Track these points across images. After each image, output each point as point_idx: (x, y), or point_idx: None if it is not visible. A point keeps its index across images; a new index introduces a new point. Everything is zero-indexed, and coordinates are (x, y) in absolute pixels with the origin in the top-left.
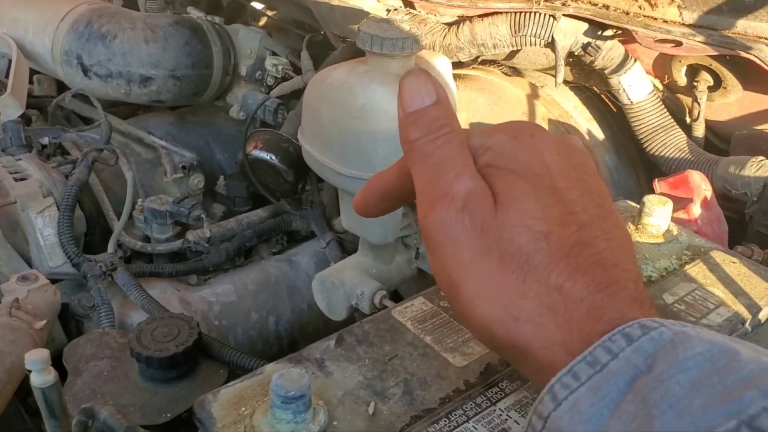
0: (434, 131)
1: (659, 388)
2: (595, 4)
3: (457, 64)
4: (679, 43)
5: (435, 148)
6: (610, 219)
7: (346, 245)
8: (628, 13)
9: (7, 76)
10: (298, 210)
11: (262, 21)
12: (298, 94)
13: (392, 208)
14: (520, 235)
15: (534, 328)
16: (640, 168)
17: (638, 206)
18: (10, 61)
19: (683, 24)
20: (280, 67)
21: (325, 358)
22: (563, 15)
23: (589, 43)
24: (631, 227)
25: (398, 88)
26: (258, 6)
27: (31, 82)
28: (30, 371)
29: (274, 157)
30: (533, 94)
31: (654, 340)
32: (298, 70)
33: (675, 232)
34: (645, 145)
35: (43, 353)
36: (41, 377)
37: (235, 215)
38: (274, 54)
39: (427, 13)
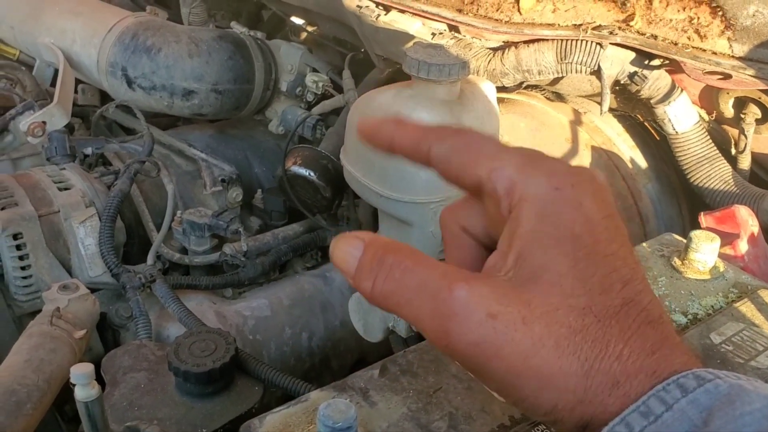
0: (384, 270)
1: None
2: (643, 34)
3: (500, 89)
4: (728, 76)
5: (399, 281)
6: (640, 263)
7: None
8: (676, 44)
9: (53, 86)
10: (334, 226)
11: (302, 36)
12: (337, 111)
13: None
14: (566, 316)
15: (599, 405)
16: (682, 198)
17: (684, 241)
18: (56, 70)
19: (733, 56)
20: (320, 84)
21: (370, 388)
22: (610, 44)
23: (635, 72)
24: (677, 262)
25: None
26: (298, 21)
27: (75, 91)
28: (74, 384)
29: (312, 174)
30: (576, 120)
31: (709, 392)
32: (338, 87)
33: (722, 269)
34: (689, 176)
35: (88, 368)
36: (85, 391)
37: (271, 229)
38: (314, 70)
39: (473, 38)
